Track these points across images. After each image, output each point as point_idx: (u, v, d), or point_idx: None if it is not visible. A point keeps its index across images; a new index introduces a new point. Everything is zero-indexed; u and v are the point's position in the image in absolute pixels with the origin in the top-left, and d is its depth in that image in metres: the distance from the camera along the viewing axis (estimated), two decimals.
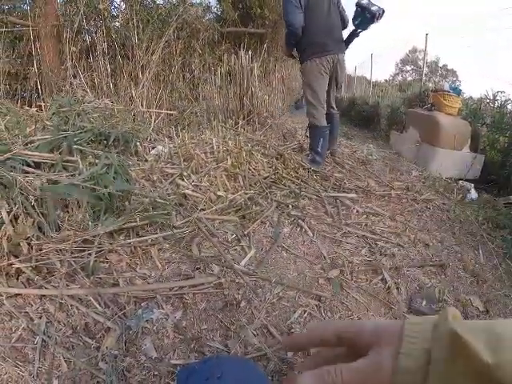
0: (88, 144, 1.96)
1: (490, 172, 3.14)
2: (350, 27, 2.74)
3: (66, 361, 0.94)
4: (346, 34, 2.78)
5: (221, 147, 2.41)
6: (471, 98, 4.47)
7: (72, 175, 1.55)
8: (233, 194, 1.98)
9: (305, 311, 1.24)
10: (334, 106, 2.92)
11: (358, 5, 2.56)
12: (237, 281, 1.32)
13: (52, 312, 1.05)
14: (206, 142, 2.55)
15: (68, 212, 1.44)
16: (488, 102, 3.66)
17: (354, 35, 2.73)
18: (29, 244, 1.20)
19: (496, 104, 3.52)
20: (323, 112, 2.71)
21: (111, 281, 1.23)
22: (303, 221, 1.83)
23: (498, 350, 0.22)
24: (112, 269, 1.28)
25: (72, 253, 1.26)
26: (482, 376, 0.22)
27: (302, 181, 2.32)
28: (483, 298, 1.60)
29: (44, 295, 1.10)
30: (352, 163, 3.02)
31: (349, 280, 1.45)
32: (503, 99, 3.49)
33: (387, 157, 3.61)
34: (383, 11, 2.52)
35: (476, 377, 0.23)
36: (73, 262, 1.22)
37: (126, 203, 1.58)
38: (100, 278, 1.23)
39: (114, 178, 1.65)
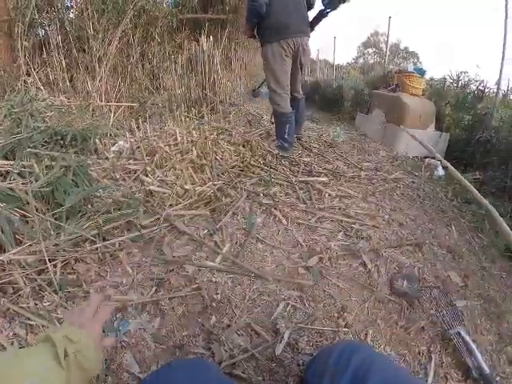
0: (43, 146, 1.82)
1: (455, 149, 3.21)
2: (318, 8, 2.62)
3: None
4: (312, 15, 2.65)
5: (185, 138, 2.28)
6: (432, 78, 4.55)
7: (27, 182, 1.41)
8: (201, 186, 1.87)
9: (288, 304, 1.18)
10: (300, 91, 2.83)
11: None
12: (213, 280, 1.23)
13: (23, 336, 0.93)
14: (170, 134, 2.40)
15: (27, 223, 1.30)
16: (451, 83, 3.72)
17: (322, 16, 2.59)
18: None
19: (460, 84, 3.58)
20: (287, 98, 2.60)
21: (81, 293, 1.11)
22: (276, 209, 1.75)
23: None
24: (81, 280, 1.15)
25: (36, 267, 1.12)
26: None
27: (271, 167, 2.24)
28: (461, 273, 1.61)
29: (13, 318, 0.97)
30: (319, 146, 2.99)
31: (328, 267, 1.40)
32: (466, 79, 3.57)
33: (354, 138, 3.62)
34: None
35: None
36: (38, 278, 1.08)
37: (89, 206, 1.44)
38: (69, 291, 1.10)
39: (73, 180, 1.51)
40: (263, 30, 2.50)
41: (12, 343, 0.91)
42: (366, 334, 1.15)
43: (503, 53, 3.02)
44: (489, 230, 2.04)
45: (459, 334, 1.25)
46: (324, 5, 2.56)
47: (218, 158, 2.23)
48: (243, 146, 2.51)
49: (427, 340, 1.22)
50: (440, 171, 2.85)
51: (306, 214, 1.78)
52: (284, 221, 1.67)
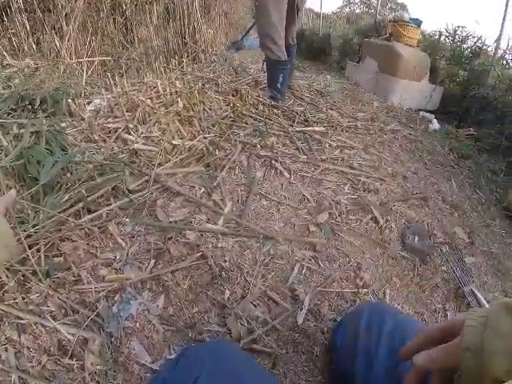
0: (9, 114, 1.56)
1: (449, 104, 3.12)
2: None
3: None
4: None
5: (168, 90, 2.03)
6: (425, 32, 4.34)
7: None
8: (191, 140, 1.66)
9: (303, 266, 1.06)
10: (294, 37, 2.58)
11: None
12: (219, 245, 1.07)
13: (15, 338, 0.76)
14: (150, 87, 2.13)
15: None
16: (447, 36, 3.55)
17: None
18: None
19: (456, 38, 3.42)
20: (282, 43, 2.32)
21: (71, 277, 0.91)
22: (276, 161, 1.59)
23: None
24: (69, 262, 0.94)
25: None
26: None
27: (264, 117, 2.04)
28: (466, 229, 1.58)
29: (1, 320, 0.78)
30: (311, 95, 2.79)
31: (339, 223, 1.28)
32: (464, 34, 3.41)
33: (346, 88, 3.43)
34: None
35: None
36: (21, 269, 0.88)
37: (68, 175, 1.21)
38: (58, 277, 0.90)
39: (46, 148, 1.27)
40: None
41: (6, 349, 0.73)
42: (384, 293, 1.09)
43: (505, 10, 2.88)
44: (485, 187, 2.00)
45: (473, 291, 1.21)
46: None
47: (206, 108, 2.00)
48: (232, 95, 2.27)
49: (442, 297, 1.19)
50: (435, 124, 2.76)
51: (308, 166, 1.63)
52: (286, 174, 1.52)
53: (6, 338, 0.75)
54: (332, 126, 2.16)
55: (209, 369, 0.46)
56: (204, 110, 1.98)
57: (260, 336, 0.82)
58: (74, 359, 0.73)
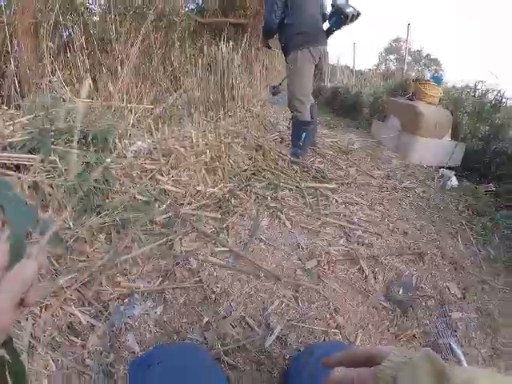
0: (66, 143, 1.90)
1: (471, 160, 3.15)
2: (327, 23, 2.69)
3: (54, 360, 0.95)
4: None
5: (200, 140, 2.37)
6: (454, 87, 4.47)
7: (51, 177, 1.53)
8: (212, 187, 1.96)
9: (282, 302, 1.26)
10: (313, 98, 2.88)
11: (333, 5, 2.53)
12: (215, 274, 1.33)
13: (37, 313, 1.06)
14: (186, 136, 2.50)
15: (47, 212, 1.44)
16: (469, 91, 3.67)
17: (329, 32, 2.67)
18: None
19: (477, 93, 3.53)
20: (308, 106, 2.63)
21: (93, 279, 1.23)
22: (281, 212, 1.82)
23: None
24: (94, 267, 1.28)
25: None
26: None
27: (281, 172, 2.30)
28: (461, 284, 1.61)
29: None
30: (333, 153, 3.02)
31: (326, 270, 1.45)
32: (484, 89, 3.51)
33: (368, 146, 3.62)
34: (358, 14, 2.47)
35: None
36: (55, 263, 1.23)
37: (107, 201, 1.56)
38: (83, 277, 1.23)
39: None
40: (292, 36, 2.54)
41: (27, 319, 1.02)
42: (356, 337, 1.20)
43: None
44: (498, 244, 2.04)
45: (450, 345, 1.27)
46: (329, 24, 2.62)
47: (230, 161, 2.31)
48: (256, 150, 2.58)
49: (417, 348, 1.25)
50: (454, 181, 2.82)
51: (310, 219, 1.84)
52: (288, 224, 1.74)
53: (30, 311, 1.05)
54: (347, 183, 2.35)
55: (171, 356, 0.64)
56: (228, 162, 2.28)
57: (230, 351, 1.03)
58: (79, 338, 1.02)
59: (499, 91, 3.28)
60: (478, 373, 0.32)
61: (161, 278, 1.28)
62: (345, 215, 1.92)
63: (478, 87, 3.50)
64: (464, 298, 1.53)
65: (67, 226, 1.37)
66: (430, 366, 0.34)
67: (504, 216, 2.26)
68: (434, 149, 3.20)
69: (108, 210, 1.53)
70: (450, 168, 3.08)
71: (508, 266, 1.82)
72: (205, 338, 1.07)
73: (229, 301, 1.23)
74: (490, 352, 1.31)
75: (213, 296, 1.23)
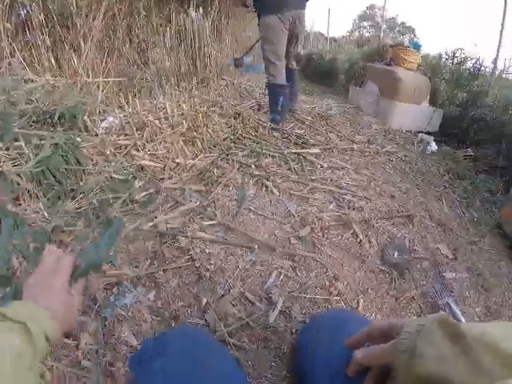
0: (31, 126, 1.75)
1: (449, 125, 3.20)
2: None
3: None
4: None
5: (175, 111, 2.21)
6: (429, 55, 4.48)
7: (17, 164, 1.37)
8: (192, 159, 1.83)
9: (280, 273, 1.18)
10: (294, 63, 2.80)
11: None
12: (207, 251, 1.22)
13: None
14: (159, 108, 2.32)
15: (20, 205, 1.28)
16: (447, 59, 3.66)
17: None
18: None
19: (455, 60, 3.53)
20: (282, 69, 2.57)
21: None
22: (268, 180, 1.72)
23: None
24: None
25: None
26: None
27: (262, 139, 2.19)
28: (451, 246, 1.63)
29: None
30: (312, 119, 2.95)
31: (320, 237, 1.38)
32: (462, 56, 3.50)
33: (347, 111, 3.58)
34: None
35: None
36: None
37: (81, 183, 1.41)
38: None
39: (62, 157, 1.47)
40: (263, 2, 2.45)
41: None
42: (358, 303, 1.16)
43: (501, 31, 2.99)
44: (480, 207, 2.06)
45: (448, 304, 1.27)
46: None
47: (209, 130, 2.17)
48: (234, 118, 2.45)
49: (417, 309, 1.25)
50: (433, 146, 2.84)
51: (297, 185, 1.76)
52: (276, 191, 1.65)
53: None
54: (329, 149, 2.28)
55: (172, 350, 0.54)
56: (207, 131, 2.14)
57: (234, 331, 0.94)
58: (71, 339, 0.87)
59: (478, 59, 3.29)
60: (489, 324, 0.37)
61: (149, 261, 1.15)
62: (332, 180, 1.86)
63: (456, 55, 3.48)
64: (455, 258, 1.54)
65: (41, 215, 1.21)
66: (443, 329, 0.36)
67: (483, 180, 2.32)
68: (413, 114, 3.21)
69: (83, 192, 1.39)
70: (428, 133, 3.11)
71: (492, 228, 1.86)
72: (205, 321, 0.98)
73: (225, 277, 1.13)
74: (484, 310, 1.33)
75: (207, 274, 1.11)
